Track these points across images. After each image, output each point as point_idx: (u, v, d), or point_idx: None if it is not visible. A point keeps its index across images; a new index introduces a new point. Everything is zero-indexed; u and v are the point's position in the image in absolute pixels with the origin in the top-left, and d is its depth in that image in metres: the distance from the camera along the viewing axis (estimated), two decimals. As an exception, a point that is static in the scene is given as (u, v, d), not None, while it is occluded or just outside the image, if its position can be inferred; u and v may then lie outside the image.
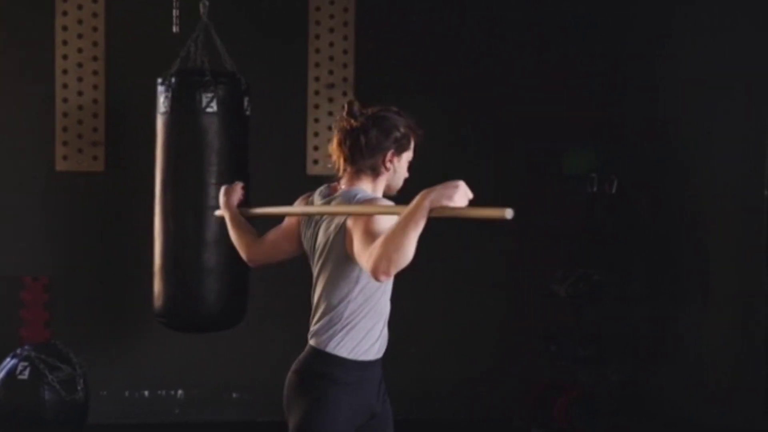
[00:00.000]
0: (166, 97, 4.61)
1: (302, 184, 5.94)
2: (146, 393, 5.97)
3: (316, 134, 6.03)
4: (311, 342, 2.87)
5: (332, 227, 2.83)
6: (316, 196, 2.95)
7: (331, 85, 6.01)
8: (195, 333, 5.03)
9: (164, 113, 4.67)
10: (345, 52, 6.03)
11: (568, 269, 5.85)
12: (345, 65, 6.03)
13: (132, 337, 5.98)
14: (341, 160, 2.90)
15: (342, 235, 2.79)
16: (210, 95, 4.55)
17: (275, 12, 6.00)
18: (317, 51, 6.02)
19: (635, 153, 5.92)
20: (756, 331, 4.87)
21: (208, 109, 4.55)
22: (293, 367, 2.89)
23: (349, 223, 2.76)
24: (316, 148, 6.03)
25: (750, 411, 4.93)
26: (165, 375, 5.98)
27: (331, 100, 6.01)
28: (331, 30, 6.02)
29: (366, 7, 6.03)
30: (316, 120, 6.03)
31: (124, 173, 5.91)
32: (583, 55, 6.08)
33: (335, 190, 2.92)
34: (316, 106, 6.03)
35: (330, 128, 6.03)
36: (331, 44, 6.02)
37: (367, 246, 2.62)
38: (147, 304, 5.92)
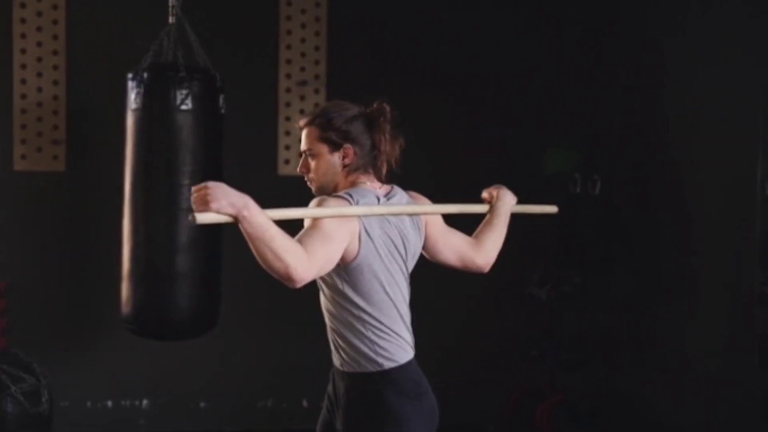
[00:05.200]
0: (138, 92, 4.36)
1: (273, 184, 5.83)
2: (109, 403, 5.74)
3: (287, 133, 5.84)
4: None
5: (416, 227, 2.87)
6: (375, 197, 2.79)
7: (303, 83, 5.81)
8: (166, 341, 4.79)
9: (135, 110, 4.42)
10: (317, 48, 5.84)
11: (545, 272, 5.73)
12: (317, 62, 5.83)
13: (94, 345, 5.74)
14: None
15: (420, 234, 2.90)
16: (185, 92, 4.32)
17: (244, 6, 5.80)
18: (288, 47, 5.82)
19: (619, 153, 5.81)
20: (747, 334, 4.78)
21: (183, 107, 4.32)
22: (425, 380, 2.83)
23: (427, 221, 2.93)
24: (287, 148, 5.84)
25: (740, 415, 4.84)
26: (129, 384, 5.75)
27: (302, 97, 5.82)
28: (303, 25, 5.82)
29: (338, 2, 5.85)
30: (288, 118, 5.84)
31: (87, 173, 5.67)
32: (565, 51, 5.96)
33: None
34: (288, 104, 5.84)
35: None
36: (303, 40, 5.82)
37: (466, 240, 3.03)
38: (109, 310, 5.68)
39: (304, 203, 6.37)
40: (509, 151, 5.91)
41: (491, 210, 3.15)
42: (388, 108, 2.81)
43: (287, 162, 5.82)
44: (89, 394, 5.71)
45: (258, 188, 5.87)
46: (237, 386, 5.82)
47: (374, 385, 2.71)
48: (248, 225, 2.35)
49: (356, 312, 2.71)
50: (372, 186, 2.78)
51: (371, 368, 2.72)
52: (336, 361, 2.81)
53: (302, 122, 2.84)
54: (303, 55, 5.82)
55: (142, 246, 4.43)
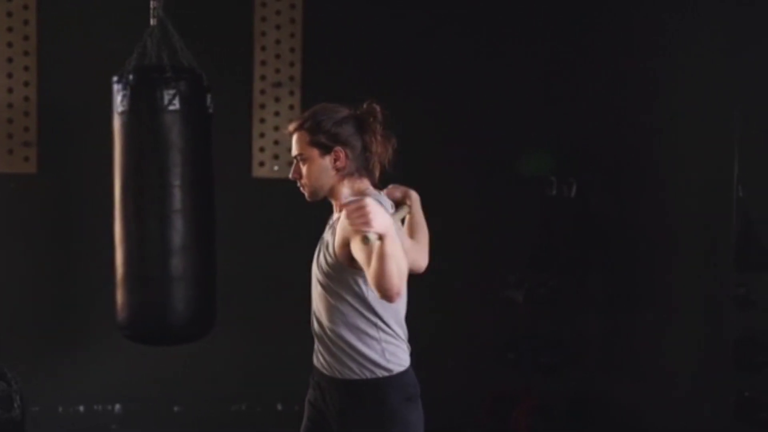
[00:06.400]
0: (124, 95, 4.31)
1: (247, 186, 5.79)
2: (81, 408, 5.67)
3: (262, 135, 5.79)
4: None
5: None
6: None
7: (278, 84, 5.77)
8: (162, 346, 4.74)
9: (122, 112, 4.37)
10: (292, 49, 5.80)
11: (522, 274, 5.73)
12: (292, 63, 5.80)
13: (65, 348, 5.67)
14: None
15: None
16: (172, 92, 4.27)
17: (218, 8, 5.74)
18: (263, 48, 5.78)
19: (595, 156, 5.82)
20: (723, 337, 4.80)
21: (171, 107, 4.28)
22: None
23: None
24: (262, 150, 5.79)
25: (716, 418, 4.86)
26: (101, 388, 5.67)
27: (277, 99, 5.78)
28: (278, 27, 5.78)
29: (313, 3, 5.82)
30: (262, 120, 5.79)
31: (58, 175, 5.59)
32: (541, 53, 5.96)
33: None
34: (262, 106, 5.79)
35: (277, 128, 5.80)
36: (278, 41, 5.79)
37: (411, 242, 2.99)
38: (79, 313, 5.63)
39: (279, 205, 6.24)
40: (485, 153, 5.89)
41: (411, 212, 3.03)
42: (378, 108, 2.77)
43: (262, 164, 5.77)
44: (60, 398, 5.63)
45: (232, 190, 5.84)
46: (210, 390, 5.76)
47: (379, 392, 2.69)
48: (390, 243, 2.35)
49: (372, 318, 2.69)
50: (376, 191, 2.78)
51: (379, 374, 2.69)
52: (330, 370, 2.75)
53: (291, 127, 2.79)
54: (278, 56, 5.78)
55: (134, 249, 4.39)
